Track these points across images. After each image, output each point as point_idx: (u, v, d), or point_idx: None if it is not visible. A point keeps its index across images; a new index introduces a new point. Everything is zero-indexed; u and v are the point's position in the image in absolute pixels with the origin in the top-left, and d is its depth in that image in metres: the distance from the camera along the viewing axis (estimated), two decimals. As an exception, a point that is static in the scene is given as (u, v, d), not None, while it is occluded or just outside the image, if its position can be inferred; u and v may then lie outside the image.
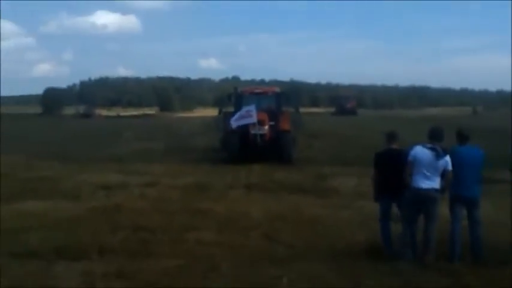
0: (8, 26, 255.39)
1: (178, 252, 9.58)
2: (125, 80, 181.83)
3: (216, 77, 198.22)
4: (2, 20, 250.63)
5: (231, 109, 26.58)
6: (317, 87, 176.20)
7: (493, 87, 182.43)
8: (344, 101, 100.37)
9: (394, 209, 9.68)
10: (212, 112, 37.17)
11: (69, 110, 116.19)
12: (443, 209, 9.34)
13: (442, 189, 9.10)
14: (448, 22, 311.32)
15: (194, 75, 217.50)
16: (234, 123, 24.01)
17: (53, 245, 9.76)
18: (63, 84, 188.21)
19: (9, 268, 8.67)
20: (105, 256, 9.29)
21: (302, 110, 35.75)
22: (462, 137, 9.52)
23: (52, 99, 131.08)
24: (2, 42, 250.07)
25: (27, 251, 9.53)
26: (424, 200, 9.05)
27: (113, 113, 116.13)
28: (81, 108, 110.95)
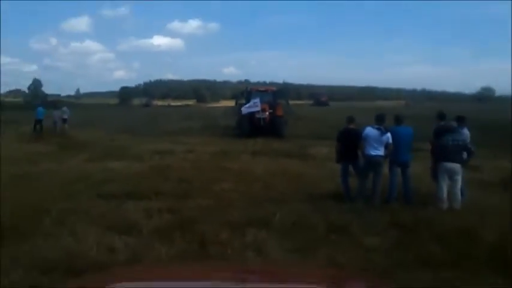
0: (95, 45, 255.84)
1: (207, 196, 9.57)
2: (173, 81, 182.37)
3: (234, 80, 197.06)
4: (91, 41, 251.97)
5: (243, 101, 26.47)
6: (300, 86, 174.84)
7: (419, 87, 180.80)
8: (319, 96, 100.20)
9: (350, 169, 9.70)
10: (231, 103, 37.14)
11: (136, 102, 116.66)
12: (385, 169, 9.35)
13: (385, 156, 9.16)
14: (390, 42, 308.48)
15: (219, 78, 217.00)
16: (245, 110, 24.09)
17: (125, 190, 9.79)
18: (132, 84, 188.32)
19: (97, 205, 8.73)
20: (159, 198, 9.29)
21: (290, 102, 35.58)
22: (398, 120, 9.67)
23: (125, 94, 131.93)
24: (91, 56, 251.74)
25: (108, 194, 9.58)
26: (374, 163, 9.10)
27: (165, 103, 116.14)
28: (144, 100, 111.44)
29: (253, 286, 2.07)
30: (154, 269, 2.81)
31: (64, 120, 27.25)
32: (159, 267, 3.09)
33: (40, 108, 26.64)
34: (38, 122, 25.72)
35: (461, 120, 9.34)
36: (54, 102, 41.47)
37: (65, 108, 28.41)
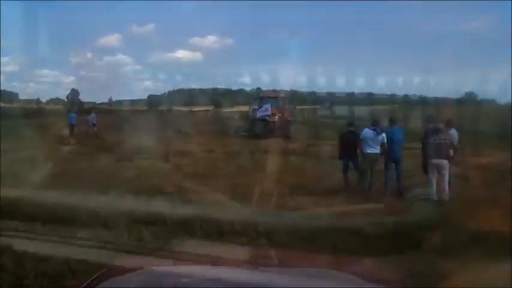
0: (126, 59, 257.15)
1: (225, 189, 9.60)
2: (194, 90, 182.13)
3: (247, 88, 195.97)
4: (122, 55, 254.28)
5: (255, 106, 26.50)
6: (306, 93, 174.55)
7: (410, 93, 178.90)
8: (323, 101, 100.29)
9: (350, 165, 9.83)
10: (245, 108, 37.18)
11: (161, 107, 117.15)
12: (380, 164, 9.43)
13: (380, 153, 9.29)
14: (383, 53, 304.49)
15: (234, 87, 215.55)
16: (258, 114, 24.21)
17: (151, 185, 9.85)
18: (158, 92, 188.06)
19: (126, 198, 8.63)
20: (180, 192, 9.32)
21: (297, 107, 35.48)
22: (392, 122, 9.81)
23: (152, 101, 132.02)
24: (123, 68, 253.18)
25: (136, 189, 9.47)
26: (370, 160, 9.24)
27: (187, 109, 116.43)
28: (168, 106, 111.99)
29: (265, 269, 2.09)
30: (176, 255, 2.84)
31: (93, 125, 28.06)
32: (180, 253, 3.12)
33: (72, 114, 27.62)
34: (71, 126, 26.39)
35: (449, 122, 9.51)
36: (89, 109, 41.83)
37: (93, 115, 29.32)
